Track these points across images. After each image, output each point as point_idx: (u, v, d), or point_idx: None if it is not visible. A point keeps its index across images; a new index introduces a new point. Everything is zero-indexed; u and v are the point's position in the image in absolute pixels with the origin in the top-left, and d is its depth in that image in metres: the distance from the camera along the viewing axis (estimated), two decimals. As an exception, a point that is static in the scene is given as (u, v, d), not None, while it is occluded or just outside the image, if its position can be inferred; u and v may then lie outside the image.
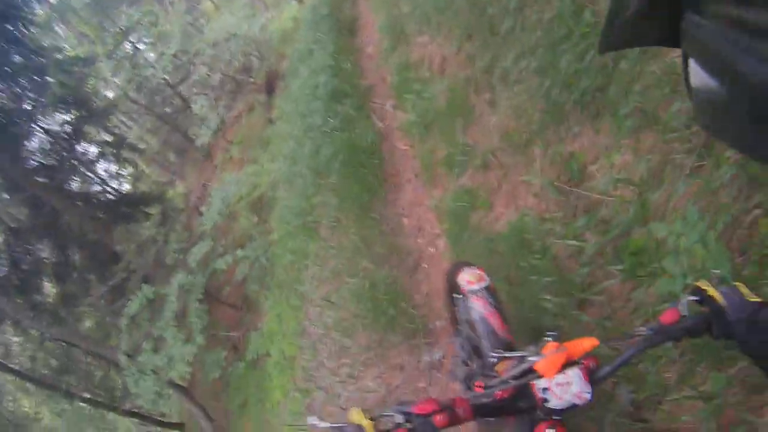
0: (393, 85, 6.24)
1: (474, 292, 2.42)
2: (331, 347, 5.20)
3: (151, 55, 14.48)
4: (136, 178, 17.99)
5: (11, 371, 12.19)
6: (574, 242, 2.86)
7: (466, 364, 2.73)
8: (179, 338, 7.95)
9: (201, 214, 9.50)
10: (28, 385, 13.40)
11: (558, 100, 3.25)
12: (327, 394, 4.98)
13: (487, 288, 2.45)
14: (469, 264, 2.63)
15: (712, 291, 1.35)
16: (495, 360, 1.88)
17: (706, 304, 1.37)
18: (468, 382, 2.40)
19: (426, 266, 4.60)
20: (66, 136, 12.21)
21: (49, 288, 12.52)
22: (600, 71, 2.94)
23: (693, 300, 1.38)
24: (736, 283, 1.33)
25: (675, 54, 2.48)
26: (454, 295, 2.85)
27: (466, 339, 2.77)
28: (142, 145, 18.03)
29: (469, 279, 2.48)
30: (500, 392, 1.52)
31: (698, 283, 1.39)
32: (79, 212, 11.81)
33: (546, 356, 1.44)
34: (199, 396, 11.38)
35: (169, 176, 20.67)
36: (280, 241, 6.92)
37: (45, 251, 12.13)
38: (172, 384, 9.19)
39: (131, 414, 12.87)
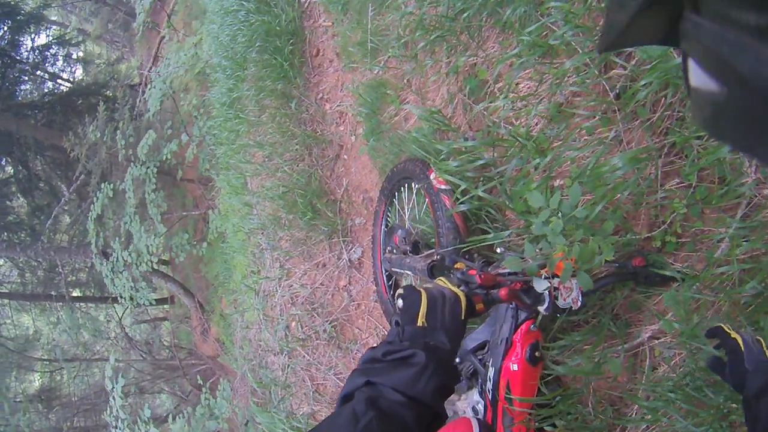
0: None
1: (444, 191, 2.66)
2: (269, 239, 5.32)
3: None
4: (86, 63, 17.46)
5: (3, 295, 12.46)
6: (460, 182, 2.74)
7: (404, 254, 3.06)
8: (142, 231, 8.06)
9: (146, 99, 9.22)
10: (23, 304, 13.78)
11: (453, 10, 3.02)
12: (268, 284, 5.22)
13: (452, 191, 2.67)
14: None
15: (734, 335, 1.51)
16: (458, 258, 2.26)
17: (724, 345, 1.56)
18: (433, 271, 2.64)
19: (346, 157, 4.54)
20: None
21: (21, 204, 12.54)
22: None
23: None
24: (759, 338, 1.46)
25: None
26: (403, 184, 3.17)
27: (406, 232, 3.10)
28: (87, 29, 17.40)
29: (438, 178, 2.68)
30: (516, 284, 1.89)
31: (721, 325, 1.59)
32: (33, 122, 11.58)
33: (559, 261, 1.82)
34: (181, 268, 11.72)
35: (119, 52, 20.03)
36: (218, 128, 6.73)
37: (7, 169, 12.03)
38: (148, 271, 9.42)
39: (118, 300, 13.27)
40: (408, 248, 3.07)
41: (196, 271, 10.98)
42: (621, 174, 2.10)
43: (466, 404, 2.43)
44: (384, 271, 3.46)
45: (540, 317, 2.13)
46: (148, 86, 9.28)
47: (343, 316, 4.34)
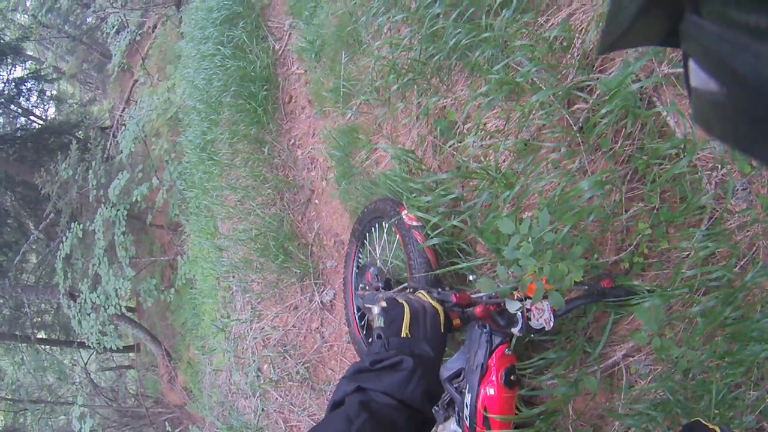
0: (288, 2, 5.82)
1: (415, 227, 2.75)
2: (240, 283, 5.31)
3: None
4: (59, 101, 17.40)
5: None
6: (431, 217, 2.82)
7: (377, 290, 3.05)
8: (111, 274, 8.02)
9: (116, 140, 9.23)
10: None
11: (424, 54, 3.16)
12: (239, 327, 5.17)
13: (423, 227, 2.78)
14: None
15: (712, 426, 1.58)
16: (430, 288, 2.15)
17: None
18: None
19: (317, 202, 4.60)
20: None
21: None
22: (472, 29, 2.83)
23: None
24: (735, 430, 1.56)
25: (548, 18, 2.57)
26: (374, 224, 3.25)
27: (378, 269, 3.14)
28: (62, 67, 17.39)
29: (409, 215, 2.78)
30: (490, 306, 1.97)
31: (699, 419, 1.65)
32: (4, 156, 11.49)
33: (529, 283, 1.89)
34: (148, 315, 11.56)
35: (92, 94, 19.99)
36: (190, 171, 6.79)
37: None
38: (116, 315, 9.28)
39: (84, 345, 12.96)
40: (380, 285, 3.10)
41: (163, 319, 10.87)
42: (587, 198, 2.20)
43: (450, 430, 2.42)
44: (356, 312, 3.49)
45: (514, 340, 2.18)
46: (121, 129, 9.29)
47: (315, 358, 4.32)
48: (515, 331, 2.00)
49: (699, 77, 0.49)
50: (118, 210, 8.08)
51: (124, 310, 8.16)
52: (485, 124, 2.84)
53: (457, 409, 2.30)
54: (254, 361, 4.86)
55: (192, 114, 6.40)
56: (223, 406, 5.55)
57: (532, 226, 1.98)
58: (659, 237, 2.28)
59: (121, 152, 8.58)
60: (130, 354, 13.89)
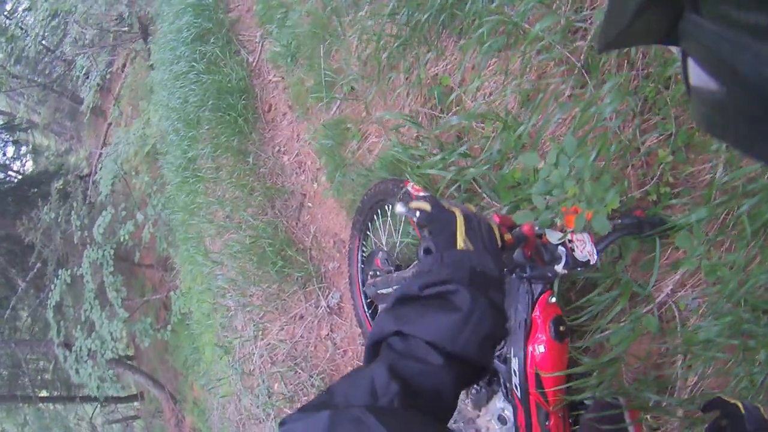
0: (258, 13, 5.83)
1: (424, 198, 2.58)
2: (237, 302, 5.02)
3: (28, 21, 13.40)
4: (36, 154, 17.12)
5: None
6: (445, 173, 2.68)
7: (389, 273, 2.93)
8: (104, 317, 7.73)
9: (95, 183, 8.98)
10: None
11: (411, 19, 3.03)
12: (242, 349, 4.83)
13: (432, 196, 2.60)
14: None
15: (733, 400, 1.40)
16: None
17: (724, 414, 1.42)
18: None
19: (310, 205, 4.43)
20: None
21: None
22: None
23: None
24: (757, 405, 1.38)
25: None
26: (376, 209, 3.12)
27: (387, 253, 3.02)
28: (34, 119, 17.12)
29: (415, 186, 2.56)
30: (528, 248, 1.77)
31: (719, 395, 1.46)
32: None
33: (571, 206, 1.71)
34: (147, 361, 11.24)
35: (67, 143, 19.69)
36: (174, 196, 6.59)
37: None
38: (114, 361, 9.00)
39: (90, 399, 12.61)
40: (392, 268, 2.96)
41: (163, 362, 10.57)
42: (608, 114, 2.08)
43: (489, 417, 2.19)
44: (367, 309, 3.31)
45: (557, 284, 2.00)
46: (99, 169, 9.03)
47: (330, 367, 4.00)
48: (559, 268, 1.78)
49: (698, 76, 0.49)
50: (104, 250, 7.84)
51: (122, 356, 7.84)
52: (482, 83, 2.73)
53: (502, 380, 2.07)
54: (263, 380, 4.52)
55: (171, 135, 6.25)
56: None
57: (558, 155, 1.78)
58: (681, 162, 2.17)
59: (101, 192, 8.32)
60: (135, 403, 13.57)
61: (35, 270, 10.04)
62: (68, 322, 8.70)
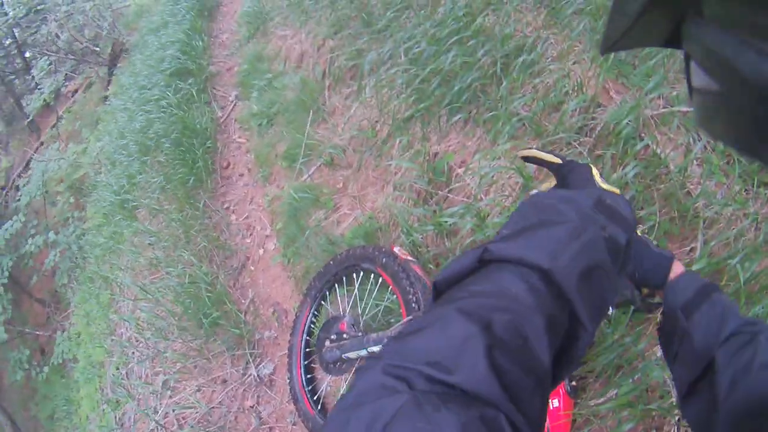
0: (241, 73, 5.86)
1: (412, 261, 2.62)
2: (144, 351, 4.45)
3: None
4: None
5: None
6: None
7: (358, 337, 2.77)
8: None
9: (18, 188, 8.33)
10: None
11: (430, 94, 3.09)
12: (140, 406, 4.19)
13: (417, 261, 2.70)
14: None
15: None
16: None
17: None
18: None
19: (252, 269, 4.14)
20: None
21: None
22: (486, 72, 2.92)
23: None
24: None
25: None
26: (342, 275, 3.06)
27: (354, 318, 2.89)
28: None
29: (402, 250, 2.70)
30: None
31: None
32: None
33: None
34: (7, 403, 10.11)
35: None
36: (96, 228, 6.15)
37: None
38: None
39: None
40: (360, 332, 2.79)
41: (26, 410, 9.33)
42: None
43: None
44: (306, 385, 3.13)
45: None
46: (16, 193, 8.39)
47: (251, 445, 3.49)
48: None
49: (700, 78, 0.49)
50: (3, 258, 7.13)
51: None
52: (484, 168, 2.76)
53: None
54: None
55: (120, 155, 5.97)
56: None
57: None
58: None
59: (19, 199, 7.68)
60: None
61: None
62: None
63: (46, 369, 7.28)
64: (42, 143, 11.38)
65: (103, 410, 4.87)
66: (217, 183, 4.86)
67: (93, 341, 5.41)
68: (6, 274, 7.15)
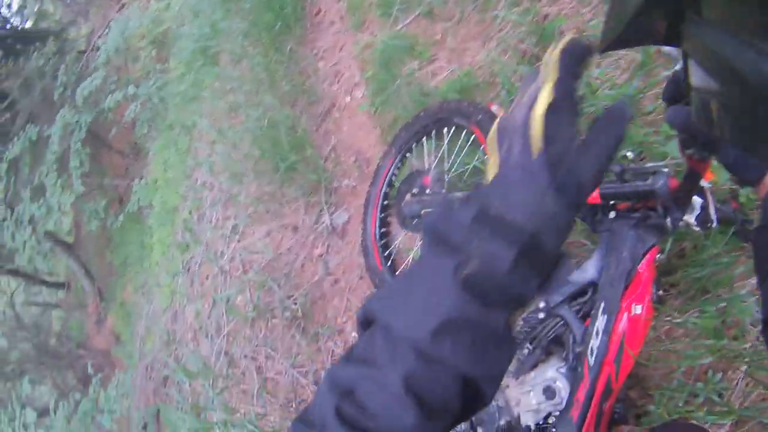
0: None
1: None
2: (218, 195, 4.39)
3: None
4: (39, 17, 16.11)
5: None
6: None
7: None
8: (59, 185, 7.06)
9: (97, 48, 8.24)
10: None
11: None
12: (207, 250, 4.15)
13: None
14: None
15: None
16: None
17: None
18: None
19: (338, 116, 3.90)
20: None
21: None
22: None
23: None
24: None
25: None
26: (432, 129, 2.85)
27: (439, 173, 2.72)
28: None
29: (501, 110, 2.45)
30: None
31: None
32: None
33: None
34: (84, 253, 10.55)
35: (73, 15, 18.67)
36: (177, 78, 5.96)
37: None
38: (53, 239, 8.37)
39: (14, 273, 11.84)
40: (443, 190, 2.66)
41: (101, 257, 9.87)
42: None
43: (528, 388, 1.80)
44: (379, 239, 3.00)
45: (669, 242, 1.85)
46: (96, 54, 8.27)
47: (314, 293, 3.39)
48: (690, 219, 1.57)
49: (699, 76, 0.51)
50: (82, 115, 7.12)
51: (60, 240, 7.17)
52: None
53: (571, 342, 1.70)
54: (226, 287, 3.87)
55: (201, 4, 5.71)
56: (171, 348, 4.51)
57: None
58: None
59: (99, 57, 7.58)
60: (59, 292, 12.75)
61: (2, 119, 9.24)
62: (20, 183, 7.88)
63: (121, 217, 7.33)
64: (123, 5, 11.23)
65: (173, 255, 4.90)
66: (306, 30, 4.58)
67: (169, 187, 5.41)
68: (84, 129, 7.06)
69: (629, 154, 1.73)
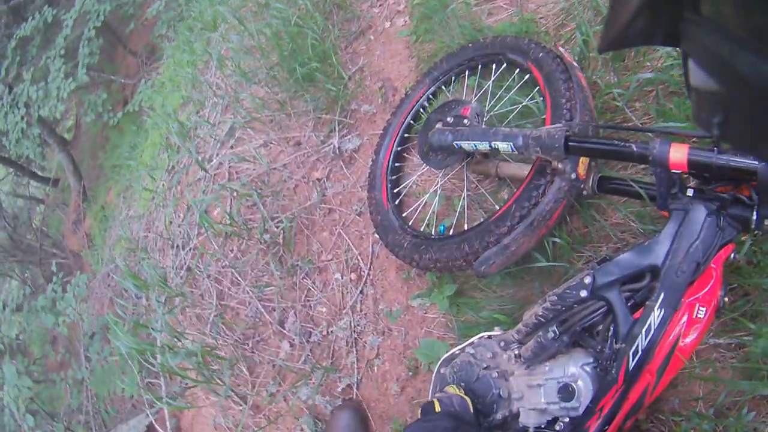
0: None
1: (577, 68, 2.15)
2: (222, 98, 3.93)
3: None
4: None
5: None
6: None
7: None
8: (62, 71, 6.63)
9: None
10: None
11: None
12: (196, 153, 3.67)
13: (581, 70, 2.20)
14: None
15: None
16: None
17: None
18: (569, 142, 1.79)
19: (372, 38, 3.49)
20: None
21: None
22: None
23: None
24: None
25: None
26: (479, 63, 2.59)
27: (479, 108, 2.42)
28: None
29: (569, 54, 2.21)
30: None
31: None
32: None
33: None
34: (78, 152, 10.26)
35: None
36: None
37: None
38: (47, 127, 7.99)
39: (5, 161, 11.54)
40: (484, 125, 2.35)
41: (93, 158, 9.63)
42: None
43: (541, 381, 1.58)
44: (390, 174, 2.67)
45: (748, 242, 1.58)
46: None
47: (302, 218, 2.95)
48: None
49: (699, 76, 0.51)
50: (102, 4, 6.70)
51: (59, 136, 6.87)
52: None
53: (611, 335, 1.47)
54: (205, 192, 3.41)
55: None
56: (138, 256, 4.07)
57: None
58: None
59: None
60: (47, 189, 12.48)
61: (21, -1, 8.79)
62: (25, 63, 7.50)
63: (119, 114, 7.09)
64: None
65: (161, 158, 4.53)
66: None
67: (174, 89, 5.00)
68: (101, 18, 6.66)
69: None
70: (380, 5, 3.63)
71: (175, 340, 2.95)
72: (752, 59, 0.39)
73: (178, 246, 3.45)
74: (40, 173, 11.87)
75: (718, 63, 0.45)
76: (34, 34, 7.38)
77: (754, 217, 1.32)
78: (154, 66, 7.25)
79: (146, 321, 3.27)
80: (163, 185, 4.09)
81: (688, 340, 1.35)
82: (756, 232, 1.42)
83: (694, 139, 1.70)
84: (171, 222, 3.68)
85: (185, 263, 3.30)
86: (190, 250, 3.34)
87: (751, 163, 1.26)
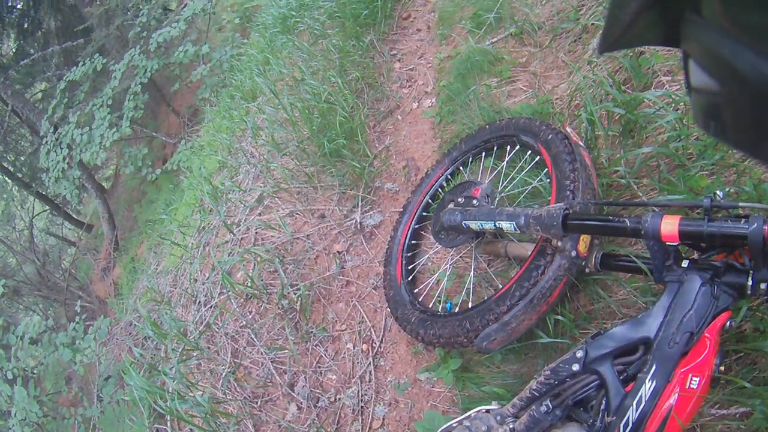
0: None
1: (582, 147, 2.25)
2: (255, 168, 4.14)
3: None
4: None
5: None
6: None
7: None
8: (107, 120, 6.98)
9: (185, 5, 8.21)
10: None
11: None
12: (225, 216, 3.87)
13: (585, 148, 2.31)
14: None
15: None
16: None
17: None
18: (567, 221, 1.88)
19: (400, 118, 3.68)
20: None
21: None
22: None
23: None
24: None
25: None
26: (494, 145, 2.70)
27: (490, 189, 2.52)
28: None
29: (575, 133, 2.33)
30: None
31: None
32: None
33: None
34: (115, 202, 10.53)
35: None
36: (253, 44, 5.83)
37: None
38: (86, 172, 8.27)
39: (44, 198, 11.81)
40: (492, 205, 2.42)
41: (129, 210, 9.98)
42: None
43: None
44: (406, 251, 2.77)
45: (744, 309, 1.58)
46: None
47: (319, 287, 3.07)
48: None
49: (699, 77, 0.51)
50: (150, 61, 7.02)
51: (96, 160, 7.07)
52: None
53: (602, 409, 1.49)
54: (230, 254, 3.57)
55: None
56: (157, 306, 4.23)
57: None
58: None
59: (184, 11, 7.50)
60: (80, 232, 12.73)
61: (75, 42, 9.29)
62: (72, 103, 7.84)
63: (158, 171, 7.28)
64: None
65: (193, 219, 4.70)
66: (390, 29, 4.41)
67: (212, 153, 5.19)
68: (148, 75, 6.98)
69: (719, 193, 1.45)
70: (409, 86, 3.84)
71: (187, 389, 3.05)
72: (752, 59, 0.40)
73: (200, 302, 3.59)
74: (75, 216, 12.19)
75: (719, 63, 0.45)
76: (83, 80, 7.74)
77: (750, 283, 1.34)
78: (195, 128, 7.47)
79: (162, 368, 3.39)
80: (192, 243, 4.25)
81: (681, 409, 1.37)
82: (753, 297, 1.43)
83: (697, 211, 1.73)
84: (196, 279, 3.83)
85: (205, 319, 3.43)
86: (210, 307, 3.47)
87: (741, 228, 1.30)
